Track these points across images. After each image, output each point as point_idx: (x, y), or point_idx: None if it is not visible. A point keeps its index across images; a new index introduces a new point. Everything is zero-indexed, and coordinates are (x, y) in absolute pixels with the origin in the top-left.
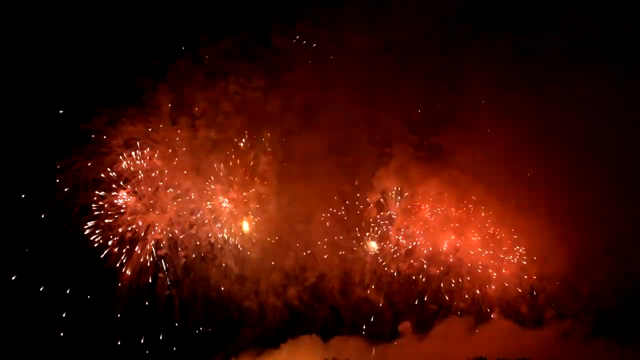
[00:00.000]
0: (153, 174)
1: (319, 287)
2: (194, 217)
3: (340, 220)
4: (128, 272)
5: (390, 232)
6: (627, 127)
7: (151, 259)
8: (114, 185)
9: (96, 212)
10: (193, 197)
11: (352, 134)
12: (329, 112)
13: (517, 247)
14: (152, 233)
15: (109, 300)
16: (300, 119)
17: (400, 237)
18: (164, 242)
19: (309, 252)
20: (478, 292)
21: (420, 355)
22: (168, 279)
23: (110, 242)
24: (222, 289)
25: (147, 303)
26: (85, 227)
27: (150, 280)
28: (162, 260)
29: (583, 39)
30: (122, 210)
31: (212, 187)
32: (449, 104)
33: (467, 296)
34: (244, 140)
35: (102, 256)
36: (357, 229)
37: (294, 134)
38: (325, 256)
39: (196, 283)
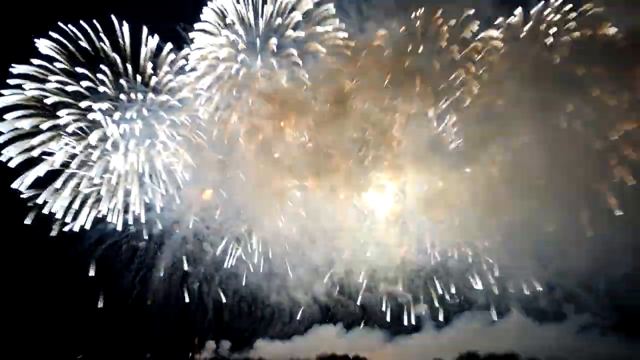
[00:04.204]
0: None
1: (345, 282)
2: (219, 211)
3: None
4: (160, 267)
5: (410, 226)
6: None
7: (180, 254)
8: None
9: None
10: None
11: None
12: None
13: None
14: (178, 230)
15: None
16: (328, 110)
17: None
18: (190, 238)
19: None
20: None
21: (438, 347)
22: (199, 273)
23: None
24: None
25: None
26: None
27: (181, 275)
28: (189, 255)
29: None
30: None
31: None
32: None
33: (487, 291)
34: (272, 131)
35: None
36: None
37: (321, 125)
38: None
39: (225, 278)
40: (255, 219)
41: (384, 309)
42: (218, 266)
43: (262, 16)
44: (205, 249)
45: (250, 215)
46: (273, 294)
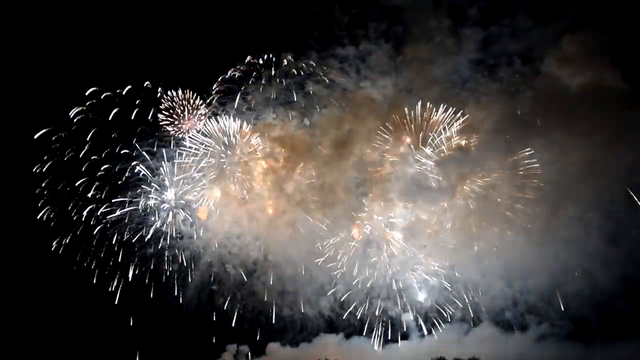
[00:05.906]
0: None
1: (345, 298)
2: (239, 240)
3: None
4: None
5: (398, 251)
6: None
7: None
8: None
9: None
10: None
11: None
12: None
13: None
14: (206, 256)
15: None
16: (331, 152)
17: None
18: (214, 262)
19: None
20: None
21: (417, 353)
22: (222, 292)
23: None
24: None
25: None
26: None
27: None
28: (215, 276)
29: None
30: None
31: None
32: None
33: (462, 306)
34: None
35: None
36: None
37: (326, 165)
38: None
39: (245, 296)
40: (270, 246)
41: (377, 320)
42: (238, 285)
43: (277, 82)
44: (228, 270)
45: (266, 242)
46: (285, 308)
